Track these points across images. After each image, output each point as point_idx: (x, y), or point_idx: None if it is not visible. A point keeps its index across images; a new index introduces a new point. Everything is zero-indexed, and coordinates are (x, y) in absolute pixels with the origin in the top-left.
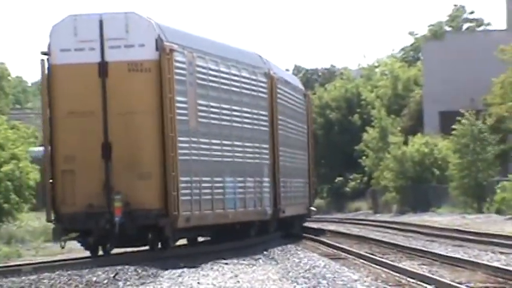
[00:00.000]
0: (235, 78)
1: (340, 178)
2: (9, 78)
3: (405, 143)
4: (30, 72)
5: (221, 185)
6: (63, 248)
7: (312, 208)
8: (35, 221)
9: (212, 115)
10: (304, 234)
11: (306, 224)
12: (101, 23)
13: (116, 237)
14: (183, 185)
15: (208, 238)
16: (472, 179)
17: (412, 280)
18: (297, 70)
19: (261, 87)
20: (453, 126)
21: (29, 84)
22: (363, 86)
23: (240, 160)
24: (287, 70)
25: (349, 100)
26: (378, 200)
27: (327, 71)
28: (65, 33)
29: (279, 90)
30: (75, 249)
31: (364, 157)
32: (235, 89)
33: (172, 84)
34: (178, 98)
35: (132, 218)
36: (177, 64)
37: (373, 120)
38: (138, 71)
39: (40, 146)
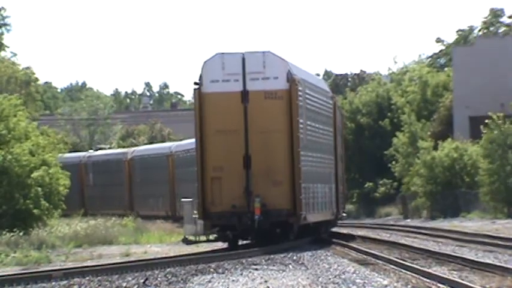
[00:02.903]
0: (320, 101)
1: (370, 183)
2: (37, 83)
3: (435, 148)
4: (60, 78)
5: (316, 190)
6: (207, 240)
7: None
8: (65, 226)
9: (312, 133)
10: (334, 240)
11: (335, 229)
12: (243, 59)
13: (255, 231)
14: (302, 190)
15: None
16: (502, 184)
17: (442, 286)
18: (327, 75)
19: (329, 108)
20: (482, 130)
21: (59, 90)
22: (394, 91)
23: (322, 170)
24: (317, 75)
25: (379, 105)
26: (408, 205)
27: (356, 76)
28: (214, 68)
29: (337, 110)
30: (105, 255)
31: (394, 162)
32: (320, 111)
33: (298, 109)
34: (300, 120)
35: (268, 216)
36: (299, 93)
37: (403, 125)
38: (273, 98)
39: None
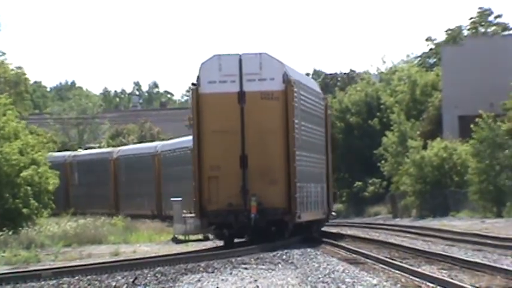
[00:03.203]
0: (313, 102)
1: (360, 182)
2: (27, 82)
3: (424, 147)
4: (50, 78)
5: (310, 189)
6: (205, 238)
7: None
8: (54, 226)
9: (306, 133)
10: (323, 239)
11: (325, 229)
12: (240, 61)
13: (251, 229)
14: (297, 189)
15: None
16: (491, 183)
17: (431, 285)
18: (317, 75)
19: (321, 109)
20: (472, 127)
21: (48, 90)
22: (383, 90)
23: (315, 169)
24: (307, 74)
25: (369, 104)
26: (397, 205)
27: (346, 76)
28: (211, 69)
29: (328, 112)
30: (94, 254)
31: (383, 161)
32: (313, 112)
33: (294, 110)
34: (295, 120)
35: (264, 214)
36: (295, 94)
37: (393, 125)
38: (269, 99)
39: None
